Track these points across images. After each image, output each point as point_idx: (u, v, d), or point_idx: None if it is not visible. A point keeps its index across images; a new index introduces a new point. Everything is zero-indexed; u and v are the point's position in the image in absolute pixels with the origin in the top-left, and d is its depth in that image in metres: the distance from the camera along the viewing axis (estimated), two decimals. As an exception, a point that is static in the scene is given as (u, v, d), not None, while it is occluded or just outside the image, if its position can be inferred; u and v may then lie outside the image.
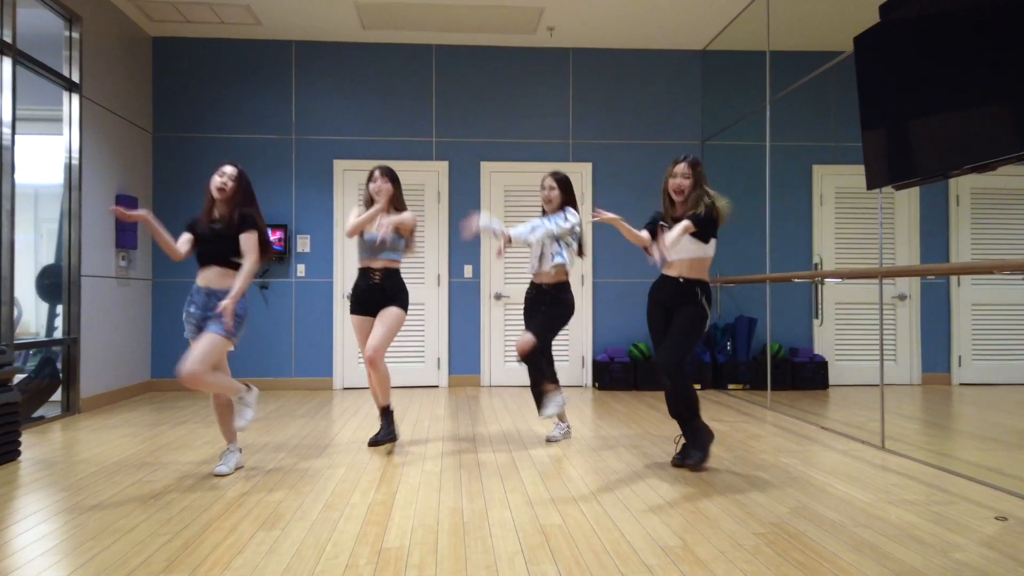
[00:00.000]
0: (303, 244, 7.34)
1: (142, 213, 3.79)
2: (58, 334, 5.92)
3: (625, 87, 7.72)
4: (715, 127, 7.58)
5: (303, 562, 2.58)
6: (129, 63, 6.82)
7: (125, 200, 6.54)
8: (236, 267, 3.92)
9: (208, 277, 3.92)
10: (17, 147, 5.07)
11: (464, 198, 7.55)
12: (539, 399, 4.63)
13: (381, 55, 7.51)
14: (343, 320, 7.37)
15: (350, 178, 7.44)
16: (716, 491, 3.52)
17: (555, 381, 4.72)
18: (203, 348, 3.69)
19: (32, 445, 4.61)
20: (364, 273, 4.54)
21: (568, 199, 4.75)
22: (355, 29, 7.16)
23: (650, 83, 7.74)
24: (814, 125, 7.53)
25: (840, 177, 7.70)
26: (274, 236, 7.22)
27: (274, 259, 7.30)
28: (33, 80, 5.49)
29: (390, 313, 4.43)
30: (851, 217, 7.67)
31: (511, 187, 7.58)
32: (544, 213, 4.80)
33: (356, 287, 4.56)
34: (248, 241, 3.85)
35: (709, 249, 4.03)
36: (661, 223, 4.04)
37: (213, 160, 7.33)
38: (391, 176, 4.52)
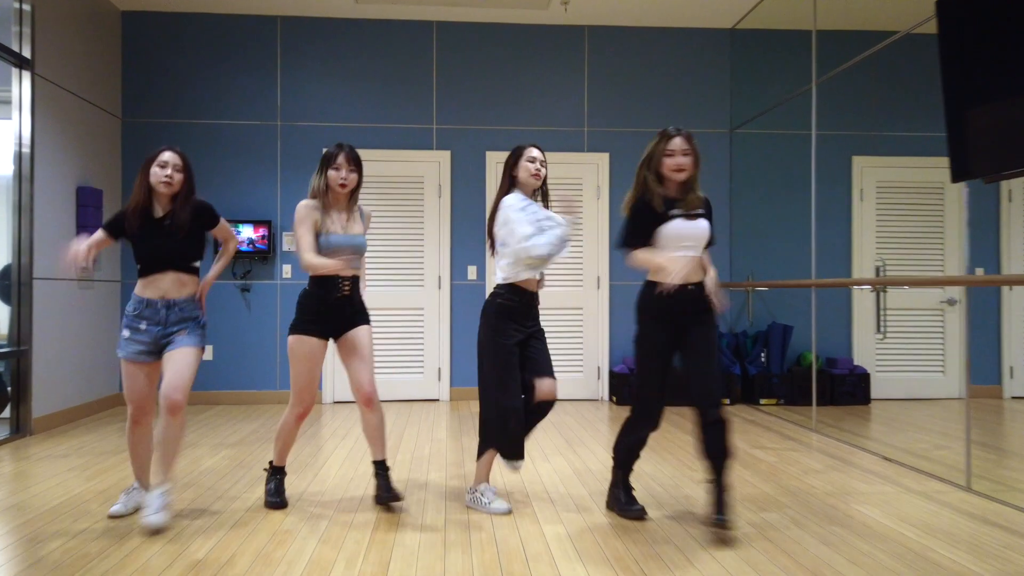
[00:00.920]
0: (289, 242, 6.61)
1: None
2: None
3: (646, 69, 6.98)
4: (745, 114, 6.85)
5: None
6: (93, 39, 6.07)
7: (87, 193, 5.80)
8: (194, 272, 3.33)
9: (163, 287, 3.24)
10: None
11: (467, 191, 6.82)
12: (519, 449, 3.36)
13: (376, 33, 6.76)
14: (333, 327, 6.63)
15: (341, 169, 6.69)
16: (797, 562, 2.81)
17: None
18: (187, 367, 3.18)
19: (-41, 482, 3.89)
20: (327, 283, 3.37)
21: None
22: (347, 3, 6.41)
23: (674, 65, 7.01)
24: (855, 113, 6.80)
25: (883, 170, 6.97)
26: (256, 233, 6.49)
27: (256, 259, 6.57)
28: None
29: (366, 335, 3.47)
30: (896, 214, 6.94)
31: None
32: (533, 193, 3.55)
33: (314, 300, 3.38)
34: (224, 229, 3.53)
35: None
36: (672, 212, 3.16)
37: (190, 149, 6.60)
38: (359, 164, 3.44)
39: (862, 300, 6.86)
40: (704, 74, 7.03)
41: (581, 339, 6.86)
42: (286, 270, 6.64)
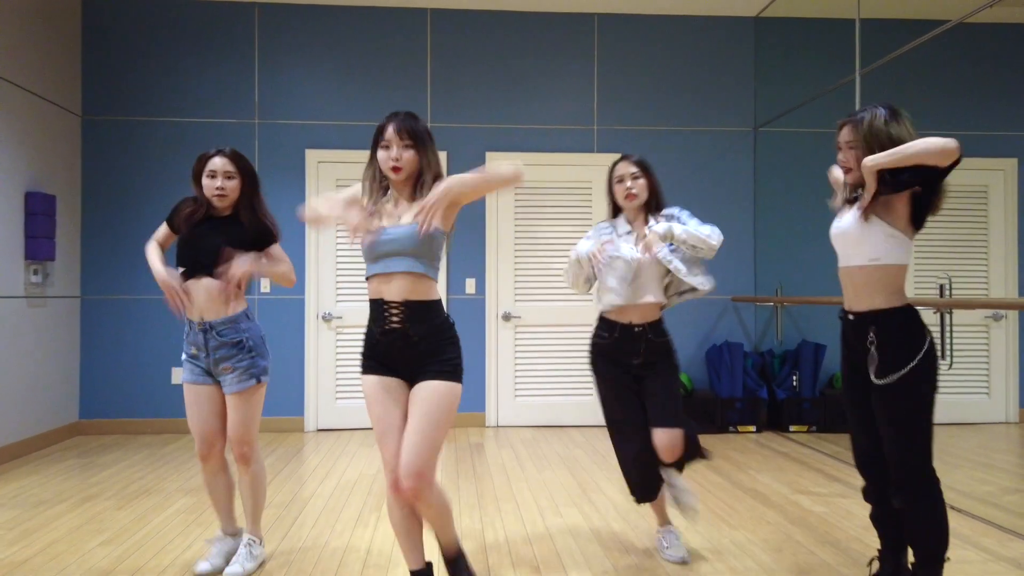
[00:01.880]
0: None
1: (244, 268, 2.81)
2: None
3: (661, 62, 6.35)
4: (771, 111, 6.22)
5: None
6: (48, 28, 5.43)
7: (38, 199, 5.16)
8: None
9: (197, 301, 2.84)
10: None
11: (466, 197, 6.18)
12: (641, 494, 3.08)
13: (365, 20, 6.13)
14: (317, 346, 6.00)
15: (326, 172, 6.06)
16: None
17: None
18: (241, 416, 2.83)
19: None
20: (373, 308, 2.42)
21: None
22: (331, -12, 5.78)
23: (692, 57, 6.37)
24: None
25: (923, 172, 6.34)
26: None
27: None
28: None
29: (430, 394, 2.34)
30: (939, 221, 6.30)
31: (523, 183, 6.21)
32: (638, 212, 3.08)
33: (367, 330, 2.45)
34: (277, 256, 2.98)
35: None
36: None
37: (157, 149, 5.98)
38: (418, 137, 2.37)
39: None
40: (725, 67, 6.39)
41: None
42: (264, 284, 6.00)
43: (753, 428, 5.98)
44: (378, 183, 2.42)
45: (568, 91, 6.28)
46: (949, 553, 2.42)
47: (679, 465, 3.06)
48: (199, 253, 2.83)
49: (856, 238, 2.47)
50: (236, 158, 2.90)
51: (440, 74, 6.19)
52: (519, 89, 6.24)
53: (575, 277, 3.17)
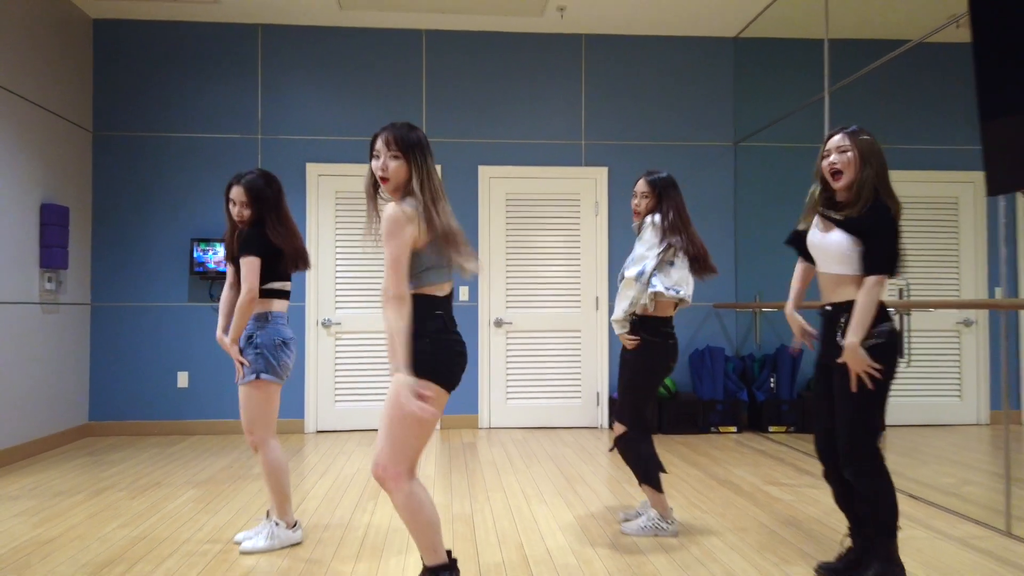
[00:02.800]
0: (270, 262, 6.25)
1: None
2: (-40, 374, 4.81)
3: (646, 80, 6.67)
4: (750, 126, 6.53)
5: None
6: (62, 48, 5.74)
7: (53, 211, 5.44)
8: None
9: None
10: None
11: (459, 207, 6.47)
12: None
13: (362, 41, 6.44)
14: (317, 352, 6.27)
15: (325, 184, 6.36)
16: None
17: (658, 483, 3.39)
18: (243, 408, 3.18)
19: None
20: (448, 306, 2.46)
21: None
22: (331, 10, 6.09)
23: (675, 75, 6.69)
24: (866, 126, 6.48)
25: (897, 184, 6.63)
26: (235, 253, 6.13)
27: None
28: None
29: (390, 389, 2.36)
30: (910, 230, 6.59)
31: (514, 195, 6.51)
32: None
33: (447, 342, 2.39)
34: (244, 266, 3.13)
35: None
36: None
37: (164, 163, 6.27)
38: (405, 143, 2.42)
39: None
40: (706, 85, 6.72)
41: (579, 363, 6.50)
42: (267, 291, 6.26)
43: (734, 429, 6.24)
44: (376, 191, 2.52)
45: (557, 108, 6.59)
46: (903, 533, 2.67)
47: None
48: (235, 264, 3.27)
49: (830, 253, 2.75)
50: (248, 187, 3.18)
51: (434, 91, 6.50)
52: (510, 105, 6.55)
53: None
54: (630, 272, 3.35)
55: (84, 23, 6.09)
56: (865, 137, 2.81)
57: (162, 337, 6.16)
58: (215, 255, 6.07)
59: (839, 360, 2.67)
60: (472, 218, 6.43)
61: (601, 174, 6.57)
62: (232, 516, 3.73)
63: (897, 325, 2.61)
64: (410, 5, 5.98)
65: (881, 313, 2.67)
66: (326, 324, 6.27)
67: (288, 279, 3.30)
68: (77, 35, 5.98)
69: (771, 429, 6.18)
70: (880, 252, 2.65)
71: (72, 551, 3.20)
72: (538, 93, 6.57)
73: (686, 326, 6.58)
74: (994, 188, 3.40)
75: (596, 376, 6.50)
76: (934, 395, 6.53)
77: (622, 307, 3.36)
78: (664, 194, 3.44)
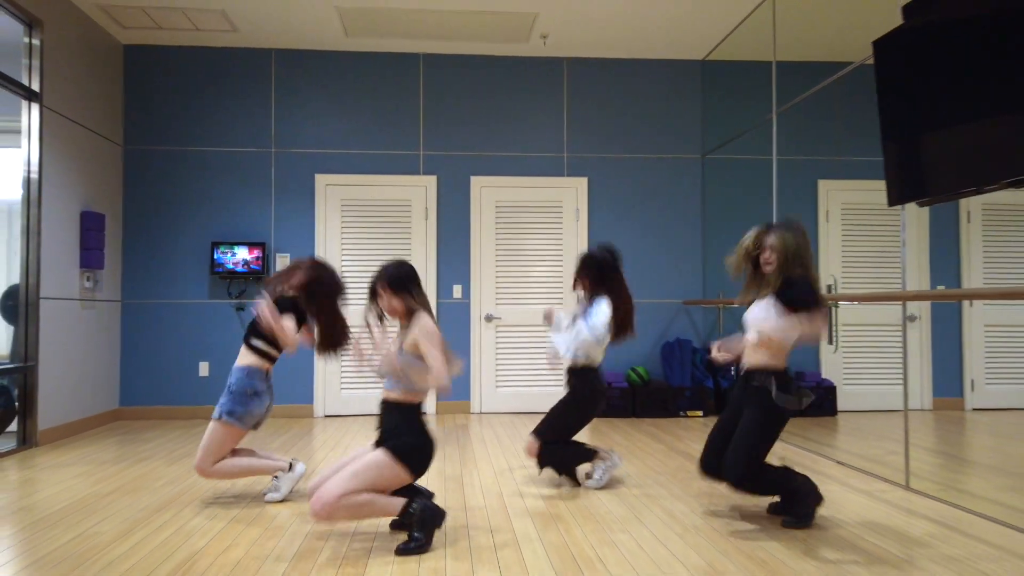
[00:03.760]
0: (282, 263, 6.94)
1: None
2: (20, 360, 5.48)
3: (622, 98, 7.38)
4: (716, 140, 7.24)
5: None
6: (97, 72, 6.43)
7: (91, 217, 6.13)
8: (250, 348, 3.84)
9: None
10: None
11: (453, 214, 7.17)
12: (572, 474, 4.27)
13: (365, 64, 7.15)
14: (324, 343, 6.94)
15: (332, 193, 7.05)
16: (735, 547, 3.12)
17: (589, 458, 4.21)
18: (204, 439, 3.72)
19: (-27, 487, 4.17)
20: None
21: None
22: (338, 36, 6.80)
23: (648, 94, 7.41)
24: (820, 139, 7.19)
25: (847, 193, 7.35)
26: (252, 254, 6.82)
27: (255, 279, 6.89)
28: (-13, 88, 5.11)
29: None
30: (859, 234, 7.31)
31: (503, 203, 7.21)
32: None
33: (433, 444, 3.30)
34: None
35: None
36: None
37: (187, 174, 6.97)
38: (398, 283, 3.38)
39: (837, 319, 7.20)
40: (677, 103, 7.42)
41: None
42: (279, 289, 6.95)
43: (700, 413, 6.93)
44: (381, 320, 3.37)
45: (541, 124, 7.29)
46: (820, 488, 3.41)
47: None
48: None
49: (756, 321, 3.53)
50: (310, 269, 4.11)
51: (431, 109, 7.20)
52: (499, 122, 7.25)
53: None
54: (593, 336, 4.09)
55: (116, 49, 6.78)
56: (794, 244, 3.61)
57: (185, 330, 6.84)
58: (232, 256, 6.74)
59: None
60: (465, 223, 7.12)
61: (582, 184, 7.27)
62: (257, 478, 4.41)
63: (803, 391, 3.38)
64: (409, 32, 6.68)
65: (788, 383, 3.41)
66: (333, 319, 6.94)
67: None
68: (110, 60, 6.67)
69: (734, 413, 6.86)
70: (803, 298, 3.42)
71: (129, 500, 3.88)
72: (524, 111, 7.27)
73: (658, 320, 7.27)
74: (894, 199, 4.10)
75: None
76: (882, 383, 7.23)
77: (577, 354, 4.19)
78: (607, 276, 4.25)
